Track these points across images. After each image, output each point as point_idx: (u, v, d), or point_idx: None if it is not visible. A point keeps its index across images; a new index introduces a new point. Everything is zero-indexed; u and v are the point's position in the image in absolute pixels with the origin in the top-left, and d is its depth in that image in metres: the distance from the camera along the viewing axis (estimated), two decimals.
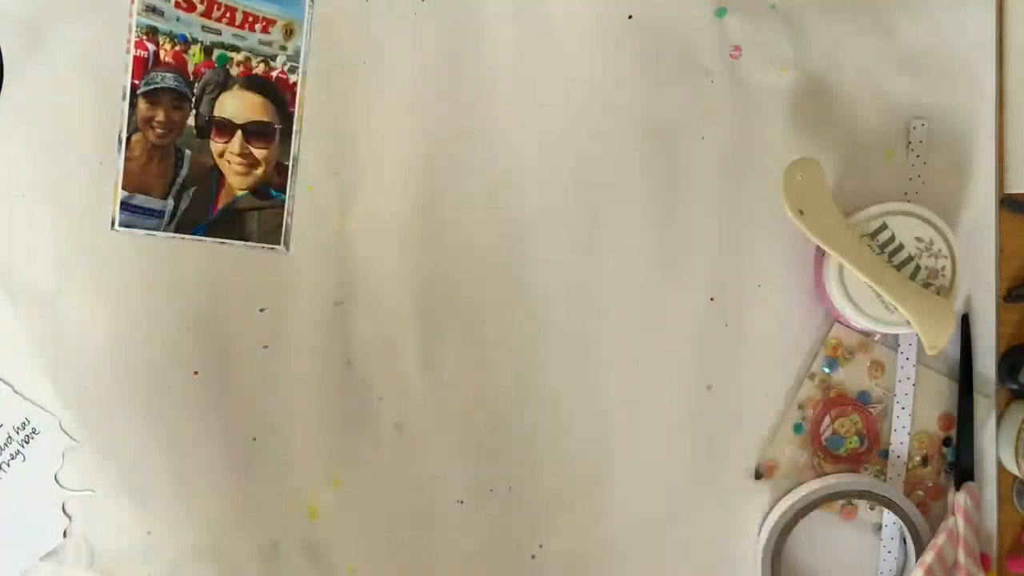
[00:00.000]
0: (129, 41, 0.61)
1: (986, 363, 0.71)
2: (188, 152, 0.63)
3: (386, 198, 0.69)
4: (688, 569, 0.71)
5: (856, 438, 0.71)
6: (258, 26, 0.61)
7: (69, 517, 0.69)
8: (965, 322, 0.71)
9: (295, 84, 0.64)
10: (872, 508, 0.71)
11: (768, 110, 0.70)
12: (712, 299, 0.71)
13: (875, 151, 0.71)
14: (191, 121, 0.63)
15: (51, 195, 0.68)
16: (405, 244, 0.70)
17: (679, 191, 0.70)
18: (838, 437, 0.71)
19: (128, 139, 0.63)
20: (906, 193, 0.71)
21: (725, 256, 0.71)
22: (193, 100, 0.62)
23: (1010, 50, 0.71)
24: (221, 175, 0.64)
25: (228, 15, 0.59)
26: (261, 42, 0.63)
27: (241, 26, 0.60)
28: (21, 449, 0.68)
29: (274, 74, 0.63)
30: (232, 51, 0.61)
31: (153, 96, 0.62)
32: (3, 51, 0.65)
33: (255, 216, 0.64)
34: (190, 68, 0.61)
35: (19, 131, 0.67)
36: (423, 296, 0.70)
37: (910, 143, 0.71)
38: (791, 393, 0.71)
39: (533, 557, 0.71)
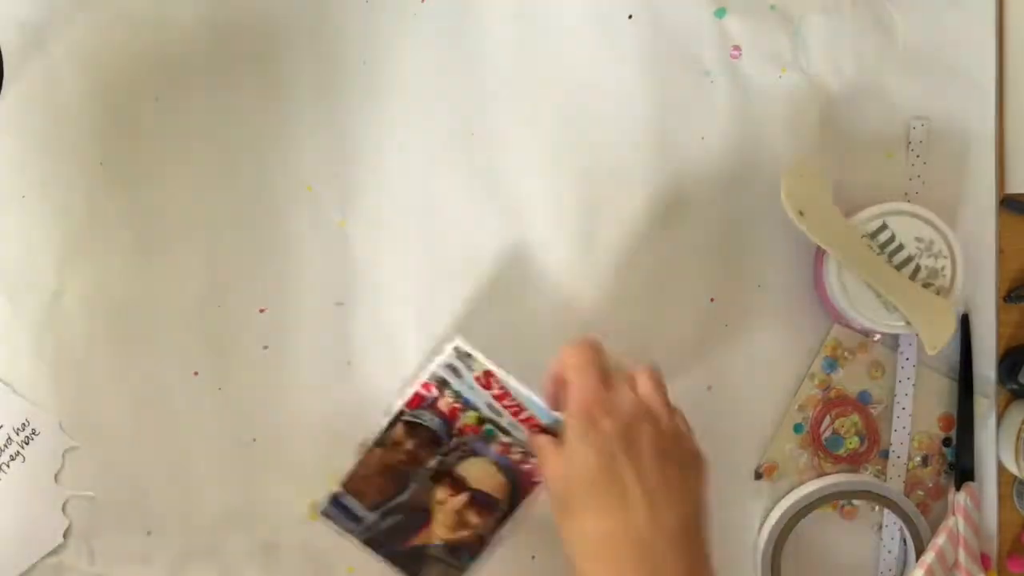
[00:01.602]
0: (417, 379, 0.65)
1: (986, 363, 0.71)
2: (414, 485, 0.67)
3: (386, 198, 0.70)
4: None
5: (856, 438, 0.71)
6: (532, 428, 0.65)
7: (69, 517, 0.69)
8: (965, 322, 0.71)
9: (538, 483, 0.67)
10: (872, 508, 0.71)
11: (768, 110, 0.70)
12: (712, 299, 0.71)
13: (875, 151, 0.71)
14: (432, 463, 0.66)
15: (51, 195, 0.68)
16: (405, 244, 0.70)
17: (679, 191, 0.70)
18: (838, 437, 0.71)
19: (370, 449, 0.67)
20: (906, 193, 0.71)
21: (725, 256, 0.71)
22: (444, 449, 0.66)
23: (1010, 50, 0.71)
24: (430, 519, 0.67)
25: (514, 408, 0.64)
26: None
27: (520, 420, 0.64)
28: (21, 450, 0.68)
29: (524, 466, 0.66)
30: (502, 432, 0.65)
31: (413, 428, 0.66)
32: (2, 51, 0.65)
33: (438, 567, 0.68)
34: (458, 424, 0.65)
35: (20, 131, 0.67)
36: (423, 296, 0.70)
37: (910, 143, 0.71)
38: (791, 393, 0.71)
39: (533, 558, 0.71)
